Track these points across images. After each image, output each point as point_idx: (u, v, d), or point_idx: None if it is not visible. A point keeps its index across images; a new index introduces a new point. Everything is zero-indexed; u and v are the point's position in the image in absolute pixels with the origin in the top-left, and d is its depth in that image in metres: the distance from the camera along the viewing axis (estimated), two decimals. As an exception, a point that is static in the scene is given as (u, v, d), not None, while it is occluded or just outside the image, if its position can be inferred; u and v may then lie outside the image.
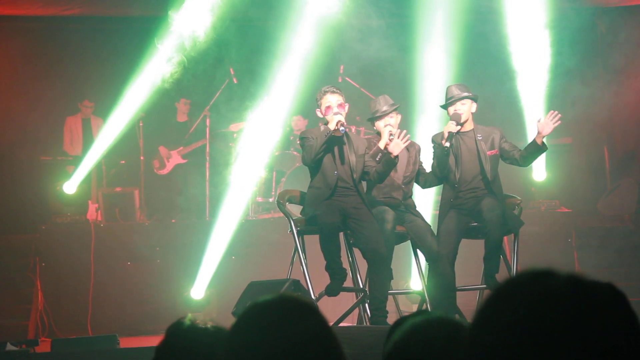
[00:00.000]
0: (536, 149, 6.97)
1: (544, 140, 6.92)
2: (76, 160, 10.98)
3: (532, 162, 7.19)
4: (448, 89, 7.17)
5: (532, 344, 1.33)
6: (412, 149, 7.31)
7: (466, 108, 7.07)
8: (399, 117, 7.24)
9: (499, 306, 1.40)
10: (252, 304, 1.84)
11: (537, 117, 7.02)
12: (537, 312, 1.35)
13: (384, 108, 7.10)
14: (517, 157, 7.05)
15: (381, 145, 6.98)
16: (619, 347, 1.32)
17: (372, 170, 6.95)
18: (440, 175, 7.15)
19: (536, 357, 1.32)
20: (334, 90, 6.94)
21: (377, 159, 6.96)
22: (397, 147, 6.77)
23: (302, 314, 1.80)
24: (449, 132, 6.95)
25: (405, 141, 6.80)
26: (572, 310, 1.34)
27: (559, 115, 6.83)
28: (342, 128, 6.75)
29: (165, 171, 11.64)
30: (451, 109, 7.08)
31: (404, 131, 6.88)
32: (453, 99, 7.07)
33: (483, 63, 10.70)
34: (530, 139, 9.85)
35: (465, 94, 7.06)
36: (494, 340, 1.37)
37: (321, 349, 1.77)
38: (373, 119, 7.16)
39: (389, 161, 6.81)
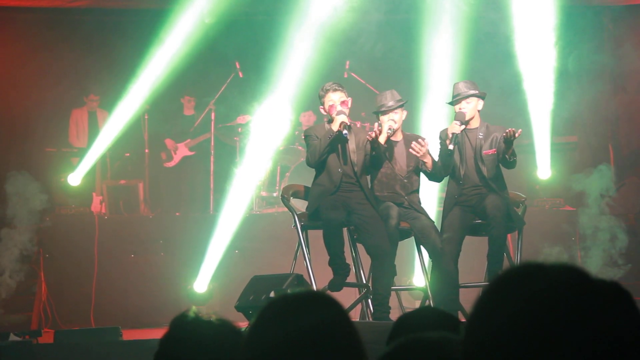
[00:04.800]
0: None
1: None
2: (81, 153, 10.99)
3: (506, 165, 7.11)
4: (455, 86, 7.14)
5: (530, 341, 1.31)
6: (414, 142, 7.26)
7: (471, 106, 7.04)
8: (405, 113, 7.22)
9: (496, 300, 1.39)
10: (272, 299, 1.88)
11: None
12: (536, 308, 1.33)
13: (390, 103, 7.08)
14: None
15: (381, 140, 6.96)
16: (623, 346, 1.31)
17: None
18: (444, 175, 7.14)
19: (535, 355, 1.31)
20: (336, 87, 6.92)
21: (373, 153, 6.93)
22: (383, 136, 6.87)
23: (322, 305, 1.83)
24: (453, 134, 6.93)
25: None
26: (575, 307, 1.32)
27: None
28: (345, 132, 6.74)
29: (172, 163, 11.65)
30: (456, 108, 7.07)
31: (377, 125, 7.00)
32: (459, 97, 7.05)
33: (489, 60, 10.68)
34: (535, 137, 9.77)
35: (472, 92, 7.04)
36: (490, 336, 1.36)
37: (342, 338, 1.80)
38: (378, 112, 7.16)
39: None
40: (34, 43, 12.10)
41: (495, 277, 1.42)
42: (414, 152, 6.98)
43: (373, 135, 6.75)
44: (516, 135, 6.76)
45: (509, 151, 6.84)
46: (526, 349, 1.31)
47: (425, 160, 7.03)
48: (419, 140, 7.02)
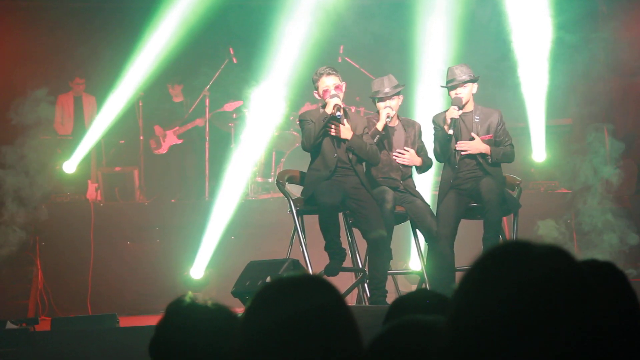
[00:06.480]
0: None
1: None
2: (67, 142, 10.93)
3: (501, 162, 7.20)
4: (449, 71, 7.13)
5: (519, 325, 1.29)
6: (411, 129, 7.30)
7: (467, 91, 7.05)
8: (401, 98, 7.23)
9: (482, 283, 1.35)
10: (267, 283, 1.87)
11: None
12: (524, 290, 1.29)
13: (387, 90, 7.08)
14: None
15: (379, 127, 7.00)
16: (618, 324, 1.31)
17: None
18: (442, 160, 7.15)
19: (527, 335, 1.29)
20: (330, 71, 6.91)
21: (375, 141, 6.97)
22: (346, 132, 6.84)
23: (318, 289, 1.83)
24: (451, 119, 6.93)
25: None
26: (561, 289, 1.30)
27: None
28: (338, 113, 6.73)
29: (162, 151, 11.62)
30: (452, 93, 7.06)
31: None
32: (454, 83, 7.04)
33: (483, 42, 10.66)
34: (530, 120, 9.77)
35: (466, 77, 7.03)
36: (477, 320, 1.34)
37: (338, 322, 1.80)
38: (374, 99, 7.15)
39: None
40: (22, 28, 12.03)
41: (479, 258, 1.37)
42: (401, 162, 7.08)
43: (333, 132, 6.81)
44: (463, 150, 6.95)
45: (488, 156, 6.98)
46: (514, 333, 1.29)
47: (416, 165, 7.13)
48: (397, 151, 7.12)
